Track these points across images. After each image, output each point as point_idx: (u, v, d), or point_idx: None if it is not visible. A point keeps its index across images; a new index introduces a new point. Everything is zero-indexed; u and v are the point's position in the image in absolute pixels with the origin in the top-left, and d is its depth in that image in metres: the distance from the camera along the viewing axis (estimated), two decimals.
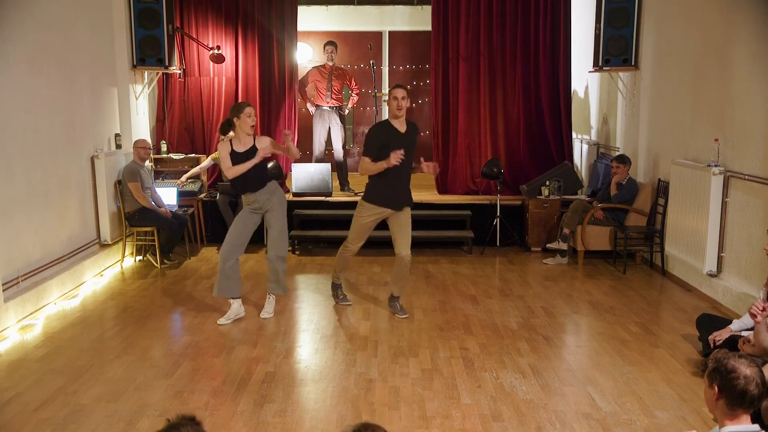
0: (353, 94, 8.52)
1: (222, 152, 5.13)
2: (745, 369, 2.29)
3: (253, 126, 5.09)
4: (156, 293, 6.03)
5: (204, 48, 8.19)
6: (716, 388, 2.33)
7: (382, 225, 5.33)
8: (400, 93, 5.08)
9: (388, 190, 5.15)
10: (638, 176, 7.15)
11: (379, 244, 7.46)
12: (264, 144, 5.14)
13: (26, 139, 5.43)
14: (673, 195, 6.26)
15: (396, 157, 4.90)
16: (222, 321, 5.20)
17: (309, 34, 10.12)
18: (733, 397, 2.29)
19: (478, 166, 8.24)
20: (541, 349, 4.67)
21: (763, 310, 3.56)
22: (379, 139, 5.10)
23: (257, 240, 6.76)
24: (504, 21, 8.22)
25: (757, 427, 2.33)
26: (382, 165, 5.01)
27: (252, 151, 5.10)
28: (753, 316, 3.55)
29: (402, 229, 5.21)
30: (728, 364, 2.31)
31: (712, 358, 2.41)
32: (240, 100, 8.19)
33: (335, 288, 5.72)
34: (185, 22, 8.17)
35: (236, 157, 5.08)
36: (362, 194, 5.31)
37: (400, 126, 5.13)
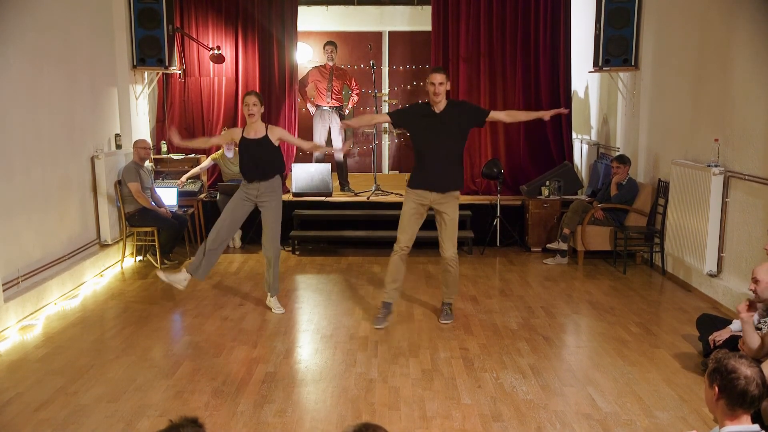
0: (353, 95, 8.53)
1: (234, 133, 5.46)
2: (745, 369, 2.29)
3: (251, 114, 5.23)
4: (156, 293, 6.02)
5: (204, 48, 8.19)
6: (716, 389, 2.32)
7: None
8: (437, 78, 4.77)
9: (424, 172, 4.97)
10: (638, 176, 7.15)
11: (379, 244, 7.47)
12: (277, 134, 5.33)
13: (26, 139, 5.43)
14: (673, 195, 6.26)
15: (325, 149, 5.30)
16: (162, 277, 5.35)
17: (309, 34, 10.11)
18: (733, 397, 2.29)
19: (478, 167, 8.24)
20: (541, 350, 4.67)
21: (749, 308, 3.60)
22: (408, 111, 5.20)
23: (257, 240, 6.76)
24: (504, 21, 8.23)
25: (757, 427, 2.33)
26: (350, 122, 5.42)
27: (264, 141, 5.27)
28: (738, 313, 3.61)
29: (444, 228, 5.00)
30: (729, 365, 2.31)
31: (712, 358, 2.41)
32: (240, 101, 8.21)
33: (385, 306, 5.20)
34: (185, 22, 8.17)
35: (246, 144, 5.30)
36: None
37: (437, 108, 4.92)
